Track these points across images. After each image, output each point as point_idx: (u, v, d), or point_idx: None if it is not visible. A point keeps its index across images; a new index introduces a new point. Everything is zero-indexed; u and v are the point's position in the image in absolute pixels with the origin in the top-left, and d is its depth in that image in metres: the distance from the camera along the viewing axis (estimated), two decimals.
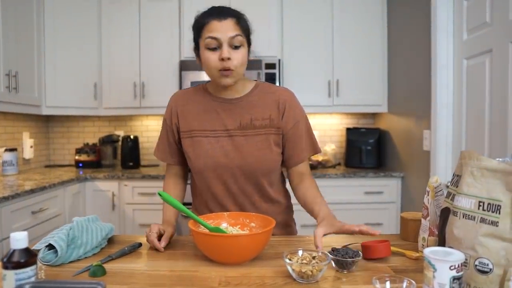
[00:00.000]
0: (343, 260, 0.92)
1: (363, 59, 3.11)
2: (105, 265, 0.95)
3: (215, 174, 1.23)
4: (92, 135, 3.49)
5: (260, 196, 1.27)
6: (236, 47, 1.15)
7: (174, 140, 1.30)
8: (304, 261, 0.88)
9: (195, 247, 1.10)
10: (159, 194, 1.04)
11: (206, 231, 1.04)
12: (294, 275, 0.87)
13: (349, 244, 1.13)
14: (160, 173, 2.87)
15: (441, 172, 2.32)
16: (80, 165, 3.22)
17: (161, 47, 3.09)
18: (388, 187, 2.87)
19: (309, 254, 0.92)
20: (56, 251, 0.97)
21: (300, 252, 0.93)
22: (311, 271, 0.84)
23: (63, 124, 3.48)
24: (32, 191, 2.12)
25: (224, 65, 1.14)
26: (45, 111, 2.89)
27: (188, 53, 3.04)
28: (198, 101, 1.28)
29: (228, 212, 1.15)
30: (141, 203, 2.82)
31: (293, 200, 1.37)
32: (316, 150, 1.32)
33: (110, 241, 1.16)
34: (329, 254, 0.92)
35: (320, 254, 0.92)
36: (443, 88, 2.29)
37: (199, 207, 1.33)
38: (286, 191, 1.38)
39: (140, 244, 1.10)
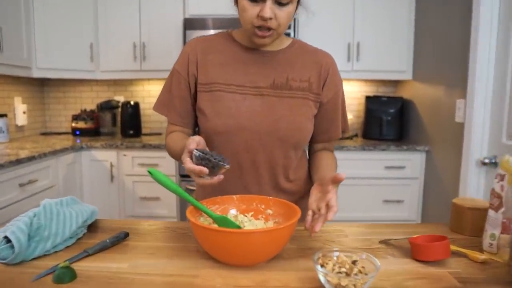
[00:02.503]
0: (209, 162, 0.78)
1: (387, 20, 2.77)
2: (77, 265, 0.73)
3: (237, 139, 0.98)
4: (90, 101, 3.24)
5: (285, 172, 1.04)
6: (282, 4, 0.89)
7: (186, 95, 1.03)
8: (343, 269, 0.64)
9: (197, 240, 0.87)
10: (150, 172, 0.80)
11: (208, 223, 0.82)
12: (328, 287, 0.64)
13: (390, 239, 0.89)
14: (162, 142, 2.64)
15: (476, 146, 2.06)
16: (77, 133, 3.00)
17: (163, 3, 2.78)
18: (411, 162, 2.62)
19: (348, 256, 0.69)
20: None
21: (335, 254, 0.70)
22: (354, 286, 0.61)
23: (58, 88, 3.23)
24: (18, 162, 1.90)
25: (263, 23, 0.90)
26: (36, 74, 2.63)
27: (193, 10, 2.74)
28: (223, 51, 1.03)
29: (237, 196, 0.91)
30: (142, 174, 2.61)
31: None
32: (347, 127, 1.12)
33: (92, 227, 0.94)
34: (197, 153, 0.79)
35: (364, 257, 0.68)
36: (485, 51, 1.98)
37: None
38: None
39: (126, 234, 0.87)
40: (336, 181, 0.80)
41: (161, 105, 1.06)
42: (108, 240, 0.82)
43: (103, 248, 0.81)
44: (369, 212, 2.67)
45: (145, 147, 2.59)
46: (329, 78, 1.03)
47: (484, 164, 2.01)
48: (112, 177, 2.62)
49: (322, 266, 0.66)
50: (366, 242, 0.89)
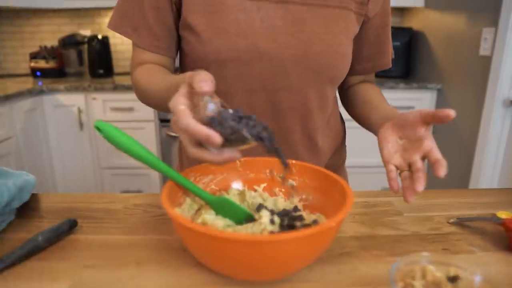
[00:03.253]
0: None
1: None
2: None
3: (249, 71, 0.64)
4: (50, 36, 2.78)
5: (320, 120, 0.73)
6: None
7: (163, 2, 0.65)
8: None
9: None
10: (97, 128, 0.48)
11: (198, 207, 0.52)
12: None
13: (464, 219, 0.61)
14: None
15: (504, 83, 1.77)
16: (38, 74, 2.58)
17: None
18: (420, 102, 2.34)
19: (438, 264, 0.41)
20: None
21: (422, 263, 0.41)
22: None
23: (12, 21, 2.74)
24: None
25: None
26: None
27: None
28: None
29: (242, 159, 0.60)
30: (116, 120, 2.26)
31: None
32: (392, 52, 0.80)
33: (24, 211, 0.63)
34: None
35: (478, 280, 0.40)
36: None
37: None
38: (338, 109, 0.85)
39: (73, 224, 0.57)
40: (439, 120, 0.51)
41: (122, 19, 0.68)
42: (40, 238, 0.52)
43: (31, 253, 0.50)
44: (371, 158, 2.41)
45: (117, 88, 2.22)
46: None
47: None
48: (81, 125, 2.27)
49: None
50: (430, 222, 0.61)
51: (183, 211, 0.50)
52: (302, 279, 0.46)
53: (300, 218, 0.49)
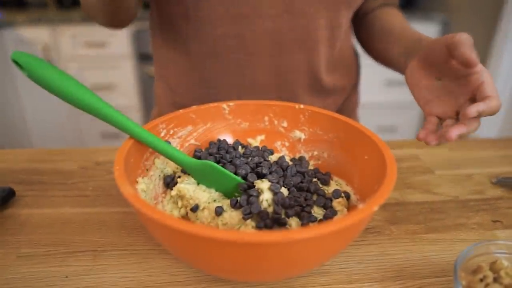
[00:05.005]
0: None
1: None
2: None
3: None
4: None
5: (329, 54, 0.57)
6: None
7: None
8: None
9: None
10: (16, 63, 0.33)
11: (173, 171, 0.38)
12: None
13: (508, 177, 0.49)
14: None
15: None
16: None
17: None
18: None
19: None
20: None
21: (493, 255, 0.29)
22: None
23: None
24: None
25: None
26: None
27: None
28: None
29: (232, 103, 0.44)
30: (89, 56, 2.04)
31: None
32: None
33: None
34: None
35: None
36: None
37: (173, 88, 0.60)
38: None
39: (8, 195, 0.42)
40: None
41: None
42: None
43: None
44: (369, 95, 2.28)
45: (87, 20, 1.97)
46: None
47: None
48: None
49: None
50: (470, 183, 0.49)
51: (150, 181, 0.36)
52: (317, 271, 0.34)
53: (316, 187, 0.36)
